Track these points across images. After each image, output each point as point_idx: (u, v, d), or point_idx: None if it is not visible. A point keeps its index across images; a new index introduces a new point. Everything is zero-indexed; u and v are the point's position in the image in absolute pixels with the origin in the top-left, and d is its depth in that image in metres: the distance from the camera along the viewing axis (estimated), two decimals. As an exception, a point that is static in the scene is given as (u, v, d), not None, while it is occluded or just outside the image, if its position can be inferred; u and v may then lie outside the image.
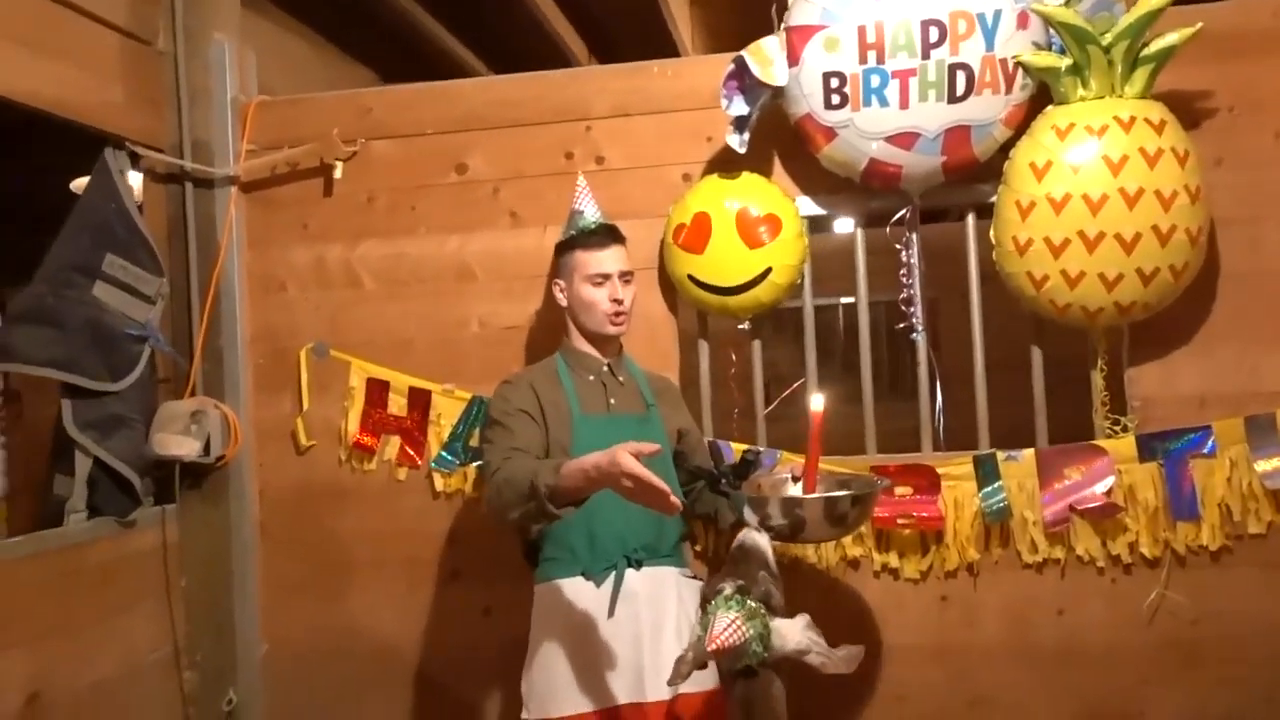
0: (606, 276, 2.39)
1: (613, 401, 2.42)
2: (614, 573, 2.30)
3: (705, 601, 2.00)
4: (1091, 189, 2.36)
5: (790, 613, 2.02)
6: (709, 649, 1.86)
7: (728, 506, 2.37)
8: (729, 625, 1.88)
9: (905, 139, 2.46)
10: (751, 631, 1.91)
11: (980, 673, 2.69)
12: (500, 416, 2.35)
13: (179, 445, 2.79)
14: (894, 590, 2.71)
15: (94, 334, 2.72)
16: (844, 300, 4.78)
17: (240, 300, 3.02)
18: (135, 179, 2.95)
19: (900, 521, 2.67)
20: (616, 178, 2.87)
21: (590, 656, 2.27)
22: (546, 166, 2.90)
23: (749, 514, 2.20)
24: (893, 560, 2.70)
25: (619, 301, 2.39)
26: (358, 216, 2.99)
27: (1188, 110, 2.56)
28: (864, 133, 2.47)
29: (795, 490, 2.32)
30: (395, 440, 2.95)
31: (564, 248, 2.46)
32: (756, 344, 2.83)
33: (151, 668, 2.81)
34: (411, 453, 2.93)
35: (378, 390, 2.95)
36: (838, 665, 1.95)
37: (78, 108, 2.67)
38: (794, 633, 1.96)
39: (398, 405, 2.94)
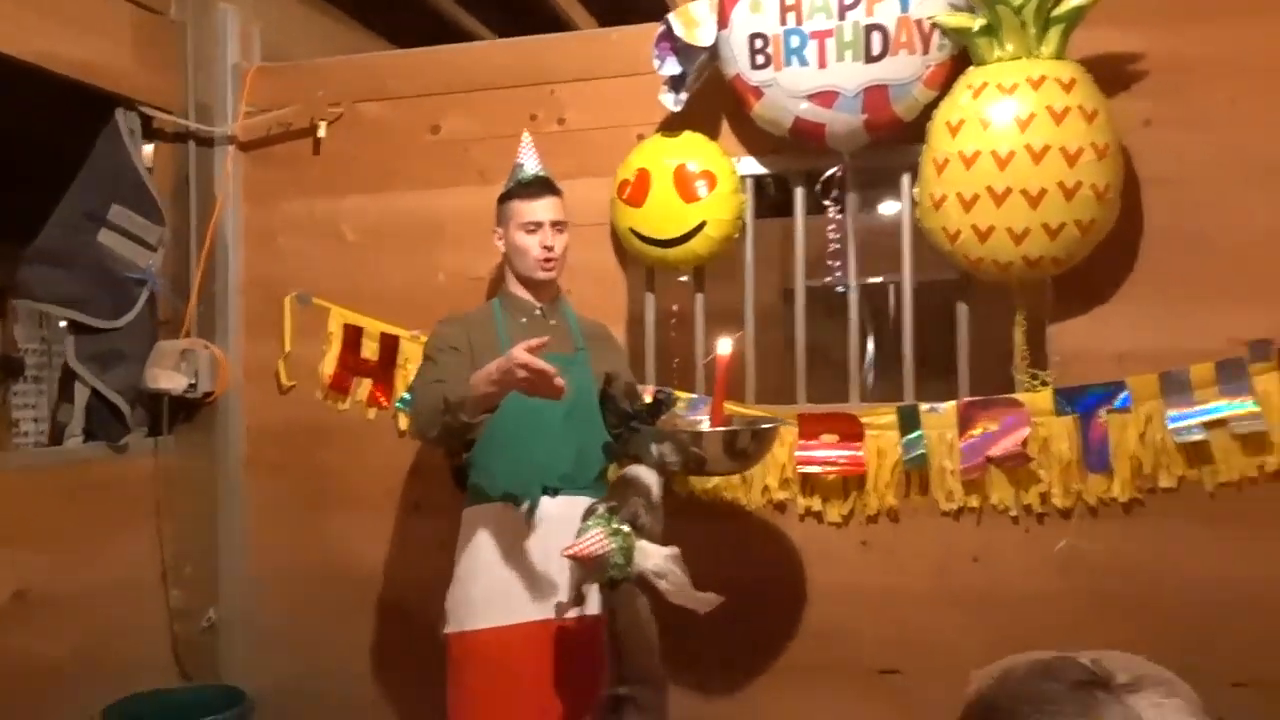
0: (539, 224, 2.58)
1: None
2: (531, 500, 2.48)
3: (583, 520, 2.17)
4: (1000, 145, 2.46)
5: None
6: (566, 553, 2.04)
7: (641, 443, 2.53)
8: (592, 537, 2.06)
9: (826, 98, 2.59)
10: (614, 545, 2.08)
11: (899, 614, 2.80)
12: (431, 352, 2.55)
13: (168, 379, 3.06)
14: (818, 533, 2.84)
15: (99, 276, 3.02)
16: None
17: (235, 250, 3.28)
18: (145, 143, 3.24)
19: (824, 467, 2.79)
20: (576, 138, 3.06)
21: (505, 576, 2.46)
22: (513, 127, 3.08)
23: (653, 447, 2.36)
24: (816, 504, 2.82)
25: (549, 248, 2.57)
26: (342, 174, 3.23)
27: (1118, 72, 2.64)
28: (788, 91, 2.61)
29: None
30: (366, 382, 3.18)
31: (503, 198, 2.65)
32: (699, 297, 2.98)
33: (139, 583, 3.08)
34: (379, 394, 3.16)
35: (353, 335, 3.18)
36: (687, 600, 2.10)
37: (93, 71, 2.97)
38: (655, 556, 2.12)
39: (370, 350, 3.17)
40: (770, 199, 3.83)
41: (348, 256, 3.23)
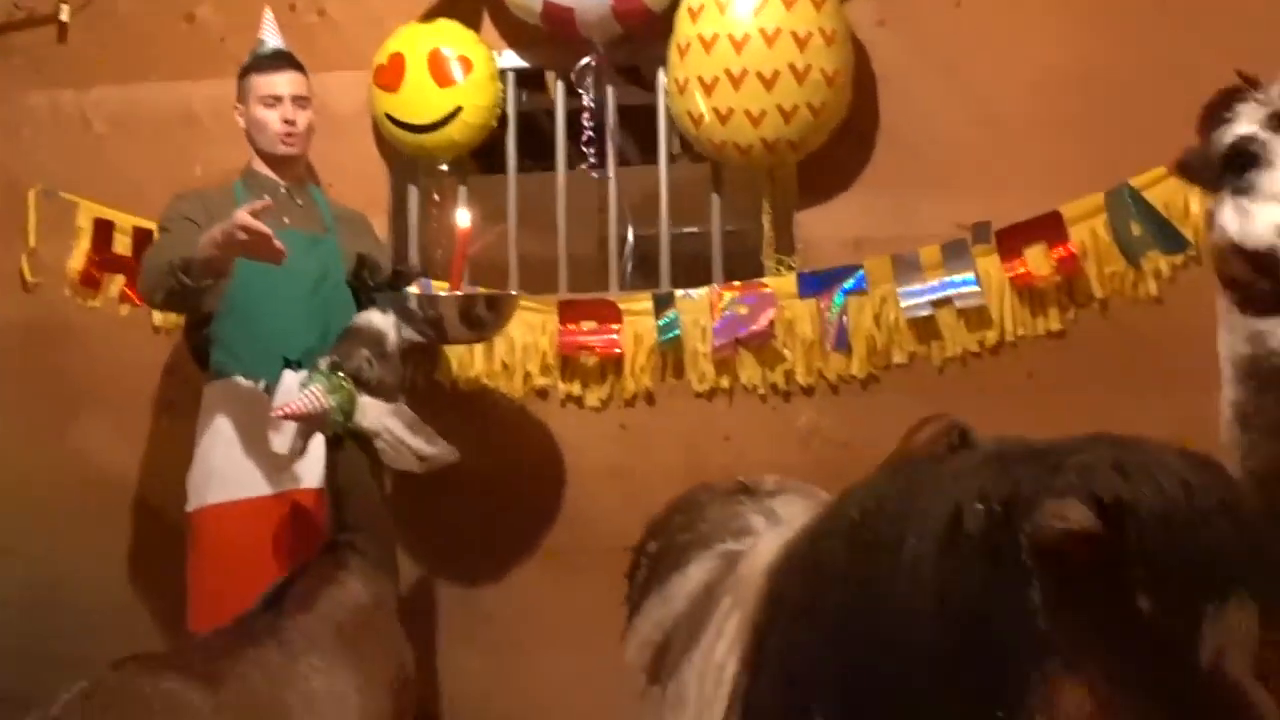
0: (278, 98, 2.53)
1: (287, 220, 2.55)
2: (271, 374, 2.44)
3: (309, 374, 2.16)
4: (735, 29, 2.56)
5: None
6: (278, 414, 2.02)
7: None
8: (309, 394, 2.05)
9: (577, -23, 2.63)
10: (333, 402, 2.08)
11: (657, 494, 2.85)
12: (165, 223, 2.49)
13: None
14: (578, 418, 2.89)
15: None
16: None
17: (-22, 145, 3.10)
18: None
19: (583, 351, 2.85)
20: (337, 29, 3.01)
21: (244, 450, 2.42)
22: (277, 19, 3.01)
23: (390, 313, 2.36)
24: (576, 389, 2.87)
25: (290, 122, 2.53)
26: (90, 64, 3.09)
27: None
28: (535, -28, 2.64)
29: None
30: (119, 279, 3.05)
31: (243, 73, 2.60)
32: (462, 189, 2.99)
33: None
34: (133, 291, 3.03)
35: (104, 230, 3.04)
36: (402, 460, 2.12)
37: None
38: (375, 413, 2.14)
39: (123, 245, 3.04)
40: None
41: (98, 150, 3.09)
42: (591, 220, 3.11)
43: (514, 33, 2.93)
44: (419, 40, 2.79)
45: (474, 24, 2.91)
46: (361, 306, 2.55)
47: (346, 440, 2.14)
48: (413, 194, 3.02)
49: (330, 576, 1.98)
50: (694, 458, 2.86)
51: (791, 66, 2.55)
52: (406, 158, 2.96)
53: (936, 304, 2.74)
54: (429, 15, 2.92)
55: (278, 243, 2.09)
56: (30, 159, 3.11)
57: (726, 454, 2.85)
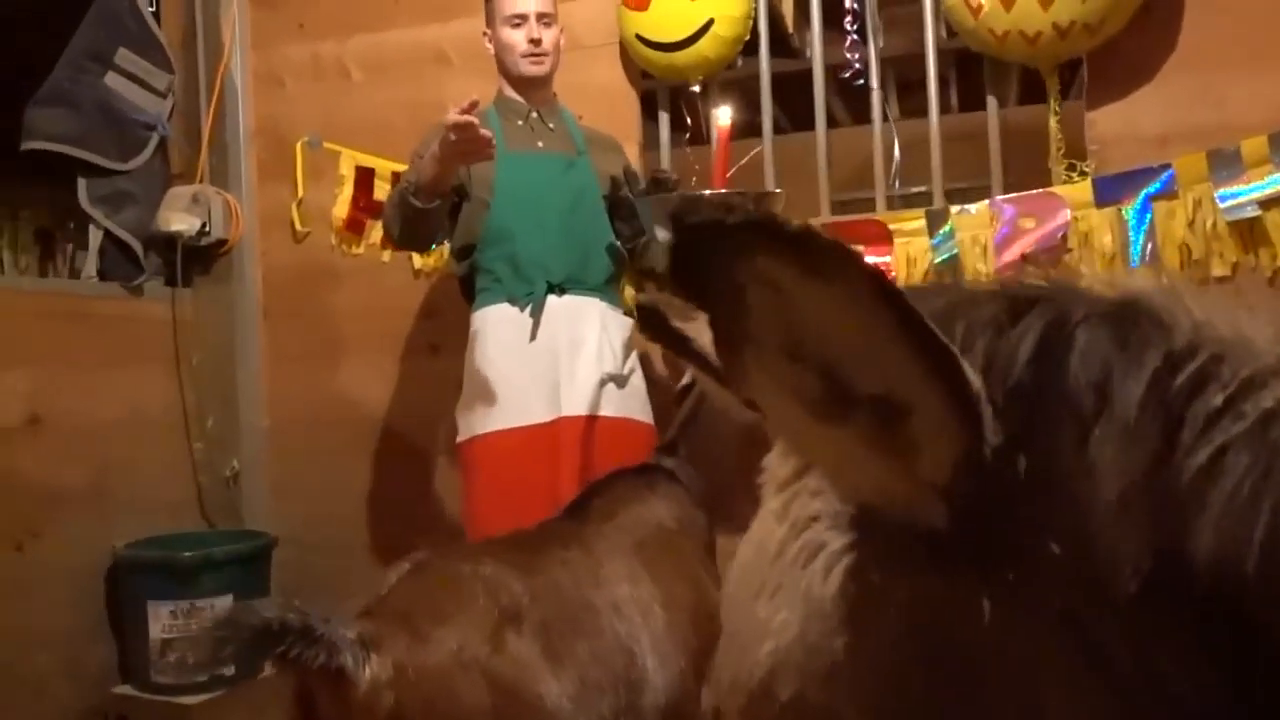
0: (524, 17, 2.46)
1: (540, 144, 2.50)
2: (535, 297, 2.39)
3: None
4: (1022, -100, 2.29)
5: None
6: None
7: (647, 226, 2.42)
8: None
9: None
10: None
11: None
12: (413, 157, 2.48)
13: (179, 221, 3.03)
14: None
15: (105, 116, 2.98)
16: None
17: (244, 97, 3.23)
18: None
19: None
20: (584, -45, 2.94)
21: (512, 376, 2.37)
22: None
23: (655, 225, 2.26)
24: (843, 316, 2.68)
25: (536, 42, 2.46)
26: (345, 13, 3.16)
27: None
28: None
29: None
30: (380, 224, 3.10)
31: None
32: (720, 111, 2.84)
33: (157, 423, 3.04)
34: (394, 236, 3.08)
35: (365, 177, 3.11)
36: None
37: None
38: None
39: (383, 191, 3.09)
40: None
41: (356, 97, 3.16)
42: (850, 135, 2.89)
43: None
44: (667, -46, 2.66)
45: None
46: (622, 236, 2.47)
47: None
48: (663, 119, 2.90)
49: (635, 494, 1.90)
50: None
51: (1089, -64, 2.25)
52: (657, 82, 2.85)
53: (1264, 204, 2.37)
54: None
55: (486, 131, 2.02)
56: (294, 109, 3.22)
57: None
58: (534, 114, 2.53)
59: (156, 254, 3.10)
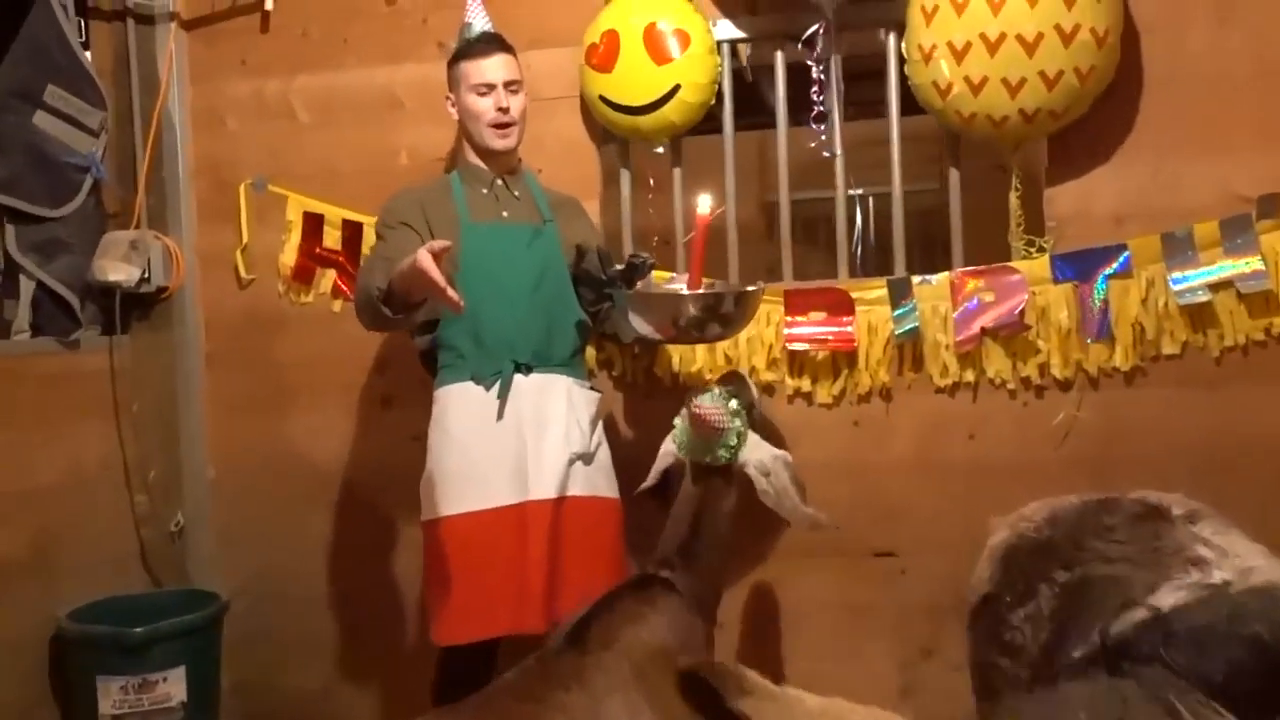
0: (491, 86, 2.40)
1: (505, 213, 2.44)
2: (501, 377, 2.35)
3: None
4: (993, -12, 2.29)
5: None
6: (693, 410, 1.96)
7: (619, 313, 2.40)
8: (715, 407, 2.00)
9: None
10: (734, 424, 2.03)
11: (893, 496, 2.69)
12: (381, 229, 2.42)
13: (117, 271, 2.89)
14: (807, 416, 2.72)
15: (34, 160, 2.83)
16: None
17: (183, 135, 3.09)
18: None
19: (814, 345, 2.66)
20: (541, 4, 2.86)
21: (477, 457, 2.33)
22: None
23: (631, 316, 2.23)
24: (806, 385, 2.70)
25: (504, 110, 2.40)
26: (293, 50, 3.03)
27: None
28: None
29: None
30: (330, 273, 3.02)
31: (452, 61, 2.48)
32: (677, 172, 2.81)
33: (97, 482, 2.93)
34: (344, 285, 3.00)
35: (313, 223, 3.01)
36: (784, 507, 2.07)
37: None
38: (764, 453, 2.08)
39: (332, 238, 3.00)
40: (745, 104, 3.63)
41: (303, 138, 3.04)
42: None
43: (728, 1, 2.72)
44: (633, 15, 2.61)
45: (686, -8, 2.71)
46: (586, 302, 2.44)
47: (723, 475, 2.11)
48: (624, 177, 2.86)
49: (634, 615, 1.91)
50: (933, 456, 2.66)
51: (1057, 27, 2.27)
52: (617, 138, 2.81)
53: (1214, 287, 2.45)
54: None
55: (453, 295, 1.94)
56: (237, 149, 3.09)
57: (970, 452, 2.64)
58: (499, 181, 2.48)
59: (93, 303, 2.97)
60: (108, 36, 3.09)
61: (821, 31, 2.59)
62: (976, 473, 2.63)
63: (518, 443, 2.33)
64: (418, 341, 2.47)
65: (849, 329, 2.65)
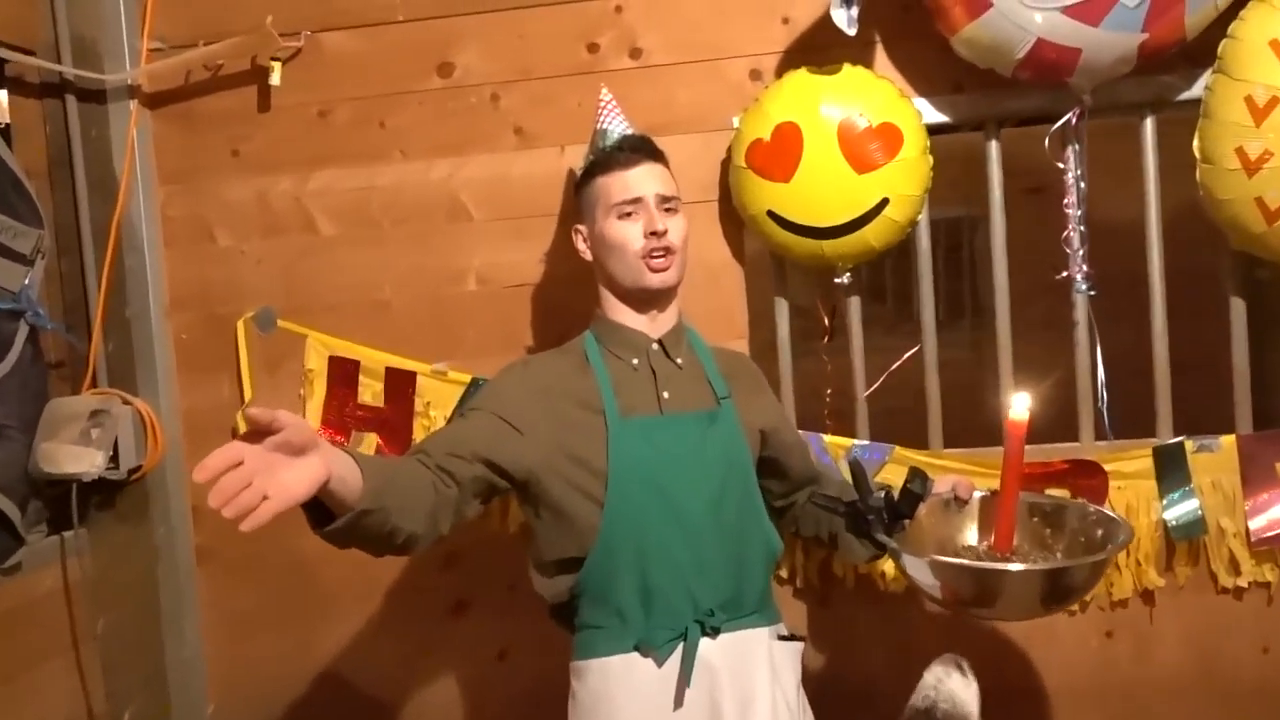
0: (638, 203, 1.67)
1: (666, 395, 1.71)
2: (682, 644, 1.62)
3: None
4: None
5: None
6: None
7: (861, 544, 1.69)
8: None
9: (1094, 8, 1.71)
10: None
11: (1157, 716, 2.05)
12: (471, 406, 1.68)
13: (74, 460, 2.06)
14: (1040, 625, 2.05)
15: (-54, 313, 1.97)
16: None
17: (153, 254, 2.26)
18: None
19: (1055, 535, 1.99)
20: (659, 77, 2.12)
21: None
22: (563, 63, 2.14)
23: (918, 578, 1.52)
24: (1044, 586, 2.03)
25: (659, 234, 1.67)
26: (308, 137, 2.22)
27: None
28: (1034, 2, 1.72)
29: (969, 534, 1.64)
30: (371, 438, 2.22)
31: (582, 182, 1.74)
32: (854, 301, 2.10)
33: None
34: (389, 453, 2.21)
35: (345, 372, 2.22)
36: None
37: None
38: None
39: (372, 392, 2.21)
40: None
41: (326, 257, 2.24)
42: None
43: (923, 73, 2.03)
44: (822, 102, 1.88)
45: (863, 62, 1.99)
46: (772, 491, 1.73)
47: None
48: (780, 309, 2.14)
49: None
50: (1213, 672, 2.03)
51: None
52: (776, 257, 2.09)
53: None
54: (801, 55, 2.03)
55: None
56: (231, 272, 2.27)
57: (1264, 669, 2.01)
58: (654, 346, 1.74)
59: (38, 498, 2.13)
60: (38, 120, 2.22)
61: (1075, 118, 1.90)
62: (1272, 696, 2.01)
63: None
64: (545, 587, 1.72)
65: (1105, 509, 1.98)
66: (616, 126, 1.78)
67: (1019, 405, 1.48)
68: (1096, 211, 1.97)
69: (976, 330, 3.14)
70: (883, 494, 1.55)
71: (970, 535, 1.64)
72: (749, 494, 1.73)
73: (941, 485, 1.68)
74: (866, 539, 1.60)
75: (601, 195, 1.70)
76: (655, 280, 1.69)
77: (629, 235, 1.68)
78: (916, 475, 1.53)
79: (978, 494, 1.67)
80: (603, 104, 1.81)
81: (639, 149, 1.73)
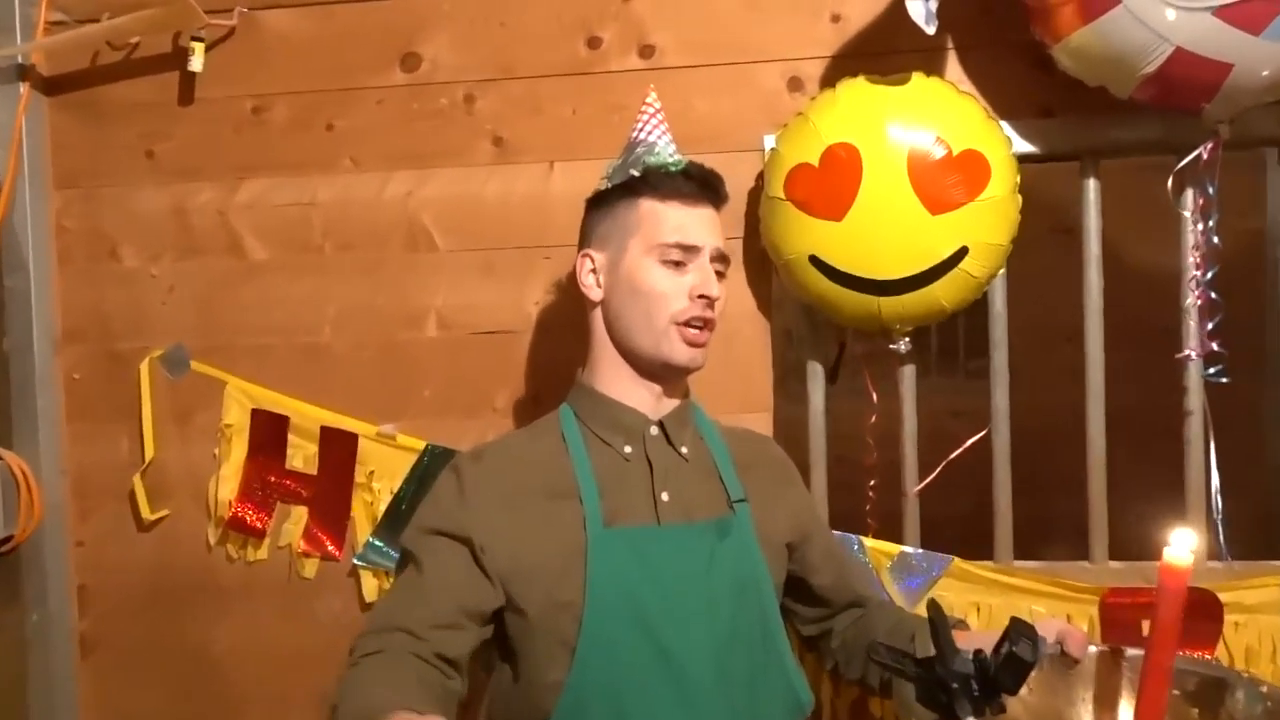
0: (693, 251, 1.28)
1: (664, 497, 1.29)
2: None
3: None
4: None
5: None
6: None
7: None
8: None
9: (1256, 10, 1.29)
10: None
11: None
12: (411, 542, 1.27)
13: (-81, 531, 1.63)
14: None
15: None
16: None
17: (40, 274, 1.83)
18: None
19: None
20: (672, 81, 1.71)
21: None
22: (555, 61, 1.74)
23: None
24: (1139, 742, 1.60)
25: (709, 299, 1.27)
26: (238, 139, 1.80)
27: None
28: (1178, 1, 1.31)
29: (1083, 709, 1.21)
30: (300, 513, 1.80)
31: (617, 195, 1.32)
32: (908, 371, 1.68)
33: None
34: (324, 536, 1.79)
35: (271, 430, 1.79)
36: None
37: None
38: None
39: (304, 456, 1.79)
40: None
41: (253, 286, 1.82)
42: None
43: (1007, 90, 1.62)
44: (883, 119, 1.46)
45: (932, 71, 1.59)
46: (802, 615, 1.33)
47: None
48: (814, 374, 1.71)
49: None
50: None
51: None
52: (818, 316, 1.67)
53: None
54: (853, 61, 1.62)
55: None
56: (136, 301, 1.84)
57: None
58: (655, 430, 1.32)
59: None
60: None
61: (1206, 153, 1.49)
62: None
63: None
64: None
65: (1209, 656, 1.57)
66: (666, 146, 1.37)
67: (1180, 545, 1.06)
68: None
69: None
70: (971, 657, 1.12)
71: (1084, 711, 1.22)
72: (769, 634, 1.31)
73: (1044, 634, 1.25)
74: (944, 716, 1.16)
75: (646, 224, 1.30)
76: (686, 356, 1.29)
77: (670, 289, 1.28)
78: (1023, 634, 1.09)
79: (1092, 648, 1.25)
80: (648, 111, 1.40)
81: (709, 185, 1.34)
